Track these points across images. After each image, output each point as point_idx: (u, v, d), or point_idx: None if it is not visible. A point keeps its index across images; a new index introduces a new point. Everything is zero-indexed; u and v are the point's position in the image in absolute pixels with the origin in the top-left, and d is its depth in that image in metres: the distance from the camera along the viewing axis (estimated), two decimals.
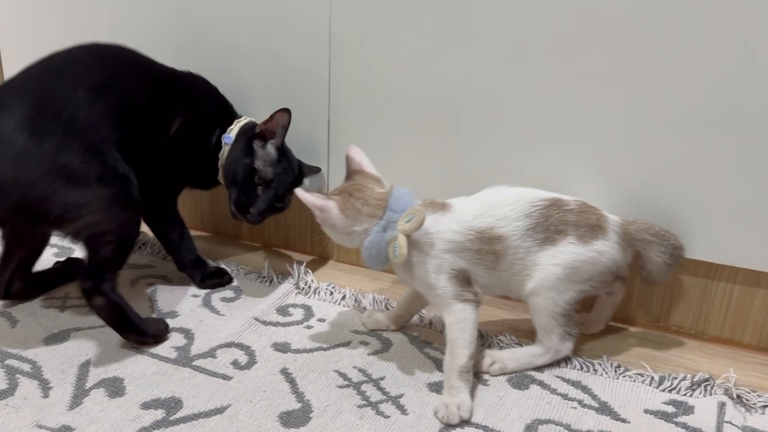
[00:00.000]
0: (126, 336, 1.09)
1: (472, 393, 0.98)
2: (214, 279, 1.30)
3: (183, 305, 1.23)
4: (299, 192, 0.99)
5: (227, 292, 1.29)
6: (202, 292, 1.28)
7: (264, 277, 1.34)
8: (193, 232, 1.35)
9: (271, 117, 1.24)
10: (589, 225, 1.01)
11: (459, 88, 1.20)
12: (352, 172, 1.07)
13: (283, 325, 1.18)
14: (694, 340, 1.17)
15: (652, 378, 1.03)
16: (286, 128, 1.25)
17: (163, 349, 1.09)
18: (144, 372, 1.03)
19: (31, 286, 1.23)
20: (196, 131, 1.27)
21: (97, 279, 1.07)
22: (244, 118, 1.32)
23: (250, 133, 1.26)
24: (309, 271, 1.35)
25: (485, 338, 1.13)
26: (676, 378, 1.03)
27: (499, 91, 1.17)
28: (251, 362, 1.06)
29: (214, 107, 1.31)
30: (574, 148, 1.15)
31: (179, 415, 0.94)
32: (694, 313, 1.17)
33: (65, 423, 0.92)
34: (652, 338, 1.17)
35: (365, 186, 1.02)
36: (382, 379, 1.03)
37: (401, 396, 0.99)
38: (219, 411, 0.95)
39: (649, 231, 1.05)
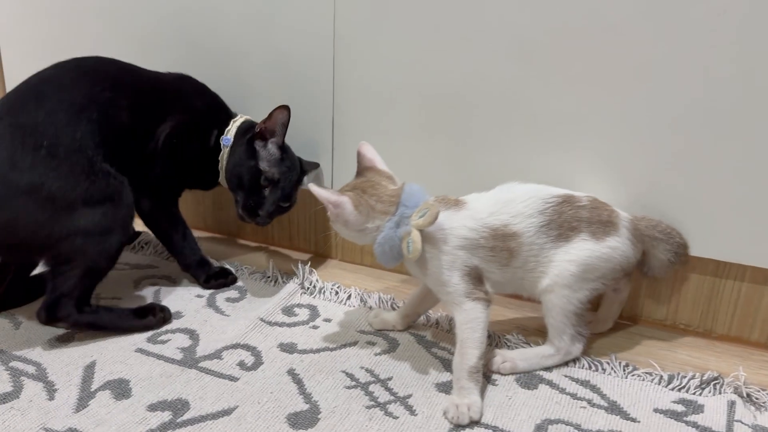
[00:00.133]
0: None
1: (481, 393, 0.97)
2: (219, 279, 1.29)
3: (187, 305, 1.22)
4: (313, 187, 0.98)
5: (232, 293, 1.28)
6: (207, 292, 1.28)
7: (268, 277, 1.33)
8: (196, 233, 1.34)
9: (270, 115, 1.22)
10: (602, 221, 1.00)
11: (464, 86, 1.19)
12: (363, 168, 1.06)
13: (289, 325, 1.17)
14: (702, 338, 1.16)
15: (661, 377, 1.03)
16: (286, 125, 1.24)
17: (169, 350, 1.08)
18: (150, 373, 1.02)
19: (29, 292, 1.21)
20: (190, 133, 1.25)
21: (51, 311, 1.07)
22: (239, 116, 1.30)
23: (249, 134, 1.25)
24: (314, 270, 1.34)
25: (493, 338, 1.13)
26: (685, 377, 1.02)
27: (505, 90, 1.17)
28: (258, 363, 1.06)
29: (206, 107, 1.29)
30: (580, 146, 1.14)
31: (186, 417, 0.93)
32: (702, 311, 1.16)
33: (71, 426, 0.91)
34: (659, 336, 1.16)
35: (378, 183, 1.02)
36: (389, 379, 1.02)
37: (409, 396, 0.98)
38: (226, 413, 0.94)
39: (657, 228, 1.04)
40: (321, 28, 1.27)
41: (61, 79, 1.14)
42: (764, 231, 1.06)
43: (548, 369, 1.04)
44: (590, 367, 1.05)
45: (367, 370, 1.04)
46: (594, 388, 1.01)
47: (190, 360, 1.06)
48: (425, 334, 1.15)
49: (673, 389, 1.01)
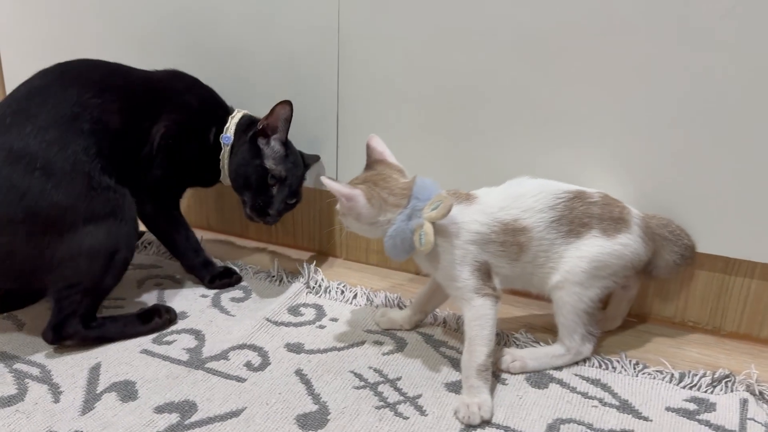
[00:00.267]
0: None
1: (491, 392, 0.96)
2: (224, 279, 1.28)
3: (192, 306, 1.21)
4: (326, 181, 0.96)
5: (236, 292, 1.27)
6: (211, 292, 1.26)
7: (273, 277, 1.32)
8: (199, 232, 1.33)
9: (272, 111, 1.20)
10: (613, 218, 0.99)
11: (470, 82, 1.18)
12: (373, 161, 1.05)
13: (295, 325, 1.16)
14: (711, 335, 1.16)
15: (672, 375, 1.02)
16: (288, 121, 1.22)
17: (174, 350, 1.07)
18: (156, 375, 1.01)
19: (32, 293, 1.20)
20: (187, 132, 1.21)
21: (58, 332, 1.05)
22: (236, 111, 1.28)
23: (251, 131, 1.23)
24: (319, 269, 1.33)
25: (501, 336, 1.12)
26: (696, 375, 1.01)
27: (511, 86, 1.16)
28: (265, 363, 1.04)
29: (201, 103, 1.25)
30: (587, 143, 1.14)
31: (194, 419, 0.92)
32: (711, 308, 1.15)
33: (78, 428, 0.90)
34: (668, 334, 1.16)
35: (389, 176, 1.00)
36: (398, 379, 1.01)
37: (419, 397, 0.97)
38: (234, 414, 0.93)
39: (667, 228, 1.04)
40: (325, 23, 1.26)
41: (46, 90, 1.09)
42: None
43: (558, 368, 1.04)
44: (600, 366, 1.04)
45: (375, 370, 1.03)
46: (605, 387, 1.00)
47: (196, 361, 1.05)
48: (433, 333, 1.14)
49: (684, 387, 1.00)
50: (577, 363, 1.05)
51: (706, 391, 0.99)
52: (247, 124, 1.25)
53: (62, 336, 1.05)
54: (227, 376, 1.01)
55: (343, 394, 0.97)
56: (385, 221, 0.98)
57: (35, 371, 1.02)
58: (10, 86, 1.50)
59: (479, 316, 0.96)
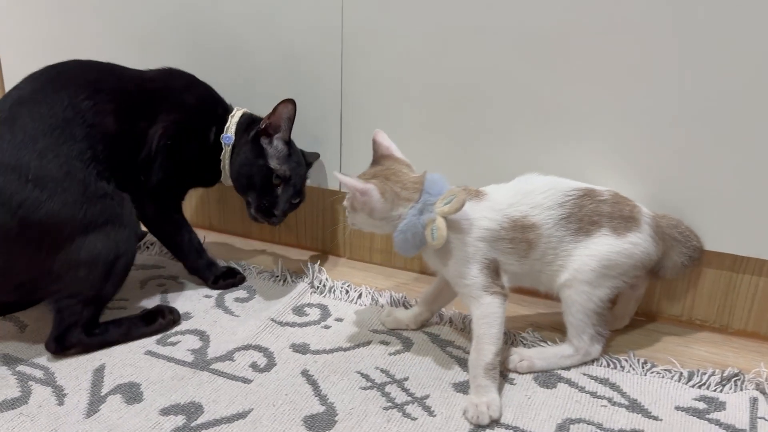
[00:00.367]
0: None
1: (499, 392, 0.95)
2: (227, 279, 1.27)
3: (196, 306, 1.20)
4: (340, 176, 0.95)
5: (240, 293, 1.26)
6: (215, 292, 1.25)
7: (277, 277, 1.31)
8: (201, 232, 1.32)
9: (274, 110, 1.19)
10: (623, 216, 0.99)
11: (474, 80, 1.18)
12: (380, 156, 1.04)
13: (301, 325, 1.15)
14: (719, 333, 1.15)
15: (681, 374, 1.01)
16: (292, 120, 1.20)
17: (179, 351, 1.06)
18: (161, 376, 1.00)
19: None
20: (187, 132, 1.18)
21: (61, 342, 1.03)
22: (236, 109, 1.25)
23: (252, 129, 1.21)
24: (323, 269, 1.32)
25: (508, 335, 1.11)
26: (705, 373, 1.01)
27: (516, 84, 1.15)
28: (270, 364, 1.04)
29: (199, 102, 1.22)
30: (594, 141, 1.13)
31: (200, 421, 0.91)
32: (719, 306, 1.15)
33: (83, 431, 0.89)
34: (675, 333, 1.15)
35: (399, 170, 1.00)
36: (405, 379, 1.00)
37: (427, 397, 0.97)
38: (241, 416, 0.92)
39: (677, 228, 1.04)
40: (329, 21, 1.25)
41: (36, 96, 1.05)
42: None
43: (566, 368, 1.03)
44: (608, 365, 1.04)
45: (382, 370, 1.02)
46: (614, 386, 0.99)
47: (201, 362, 1.04)
48: (439, 332, 1.13)
49: (693, 386, 0.99)
50: (585, 363, 1.04)
51: (715, 390, 0.98)
52: (248, 123, 1.23)
53: (66, 346, 1.03)
54: (233, 378, 1.00)
55: (351, 394, 0.97)
56: (396, 216, 0.97)
57: (38, 373, 1.01)
58: (10, 86, 1.48)
59: (487, 314, 0.95)
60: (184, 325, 1.14)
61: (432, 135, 1.24)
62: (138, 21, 1.43)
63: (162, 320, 1.12)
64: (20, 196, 0.96)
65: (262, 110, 1.24)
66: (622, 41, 1.06)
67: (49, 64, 1.14)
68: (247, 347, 1.08)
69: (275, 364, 1.04)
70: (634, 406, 0.95)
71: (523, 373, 1.01)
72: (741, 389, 0.98)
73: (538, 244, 0.97)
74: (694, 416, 0.93)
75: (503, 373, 1.01)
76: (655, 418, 0.92)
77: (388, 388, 0.98)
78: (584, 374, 1.02)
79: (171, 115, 1.17)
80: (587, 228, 0.97)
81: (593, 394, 0.97)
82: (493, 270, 0.96)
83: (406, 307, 1.19)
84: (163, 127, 1.15)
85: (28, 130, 1.01)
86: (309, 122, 1.31)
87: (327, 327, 1.15)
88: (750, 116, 1.02)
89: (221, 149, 1.23)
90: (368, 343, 1.10)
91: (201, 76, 1.27)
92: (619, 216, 0.98)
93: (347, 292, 1.26)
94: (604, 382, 1.00)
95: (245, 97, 1.31)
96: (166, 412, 0.93)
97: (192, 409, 0.93)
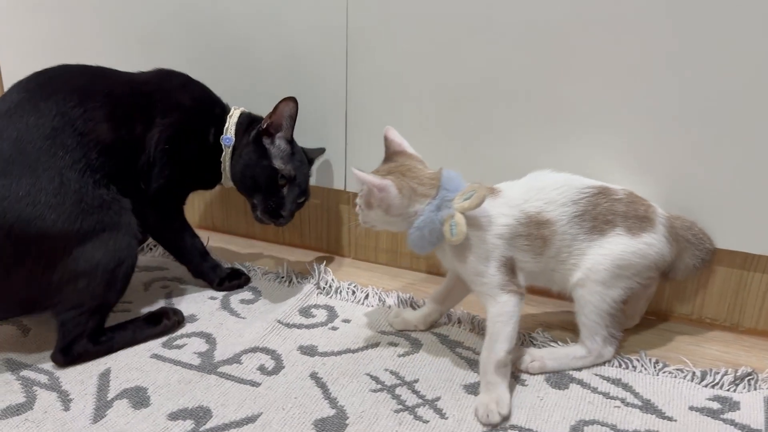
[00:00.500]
0: None
1: (511, 391, 0.95)
2: (233, 281, 1.25)
3: (201, 308, 1.19)
4: (357, 171, 0.94)
5: (246, 294, 1.24)
6: (220, 294, 1.24)
7: (282, 278, 1.30)
8: (204, 233, 1.30)
9: (275, 109, 1.16)
10: (638, 216, 0.98)
11: (482, 78, 1.16)
12: (392, 153, 1.02)
13: (308, 327, 1.14)
14: (729, 332, 1.14)
15: (694, 373, 1.00)
16: (293, 118, 1.18)
17: (186, 355, 1.05)
18: (167, 380, 0.99)
19: None
20: (185, 134, 1.15)
21: (67, 354, 1.01)
22: (233, 109, 1.23)
23: (253, 129, 1.19)
24: (329, 270, 1.31)
25: (519, 336, 1.09)
26: (718, 373, 1.00)
27: (523, 81, 1.14)
28: (278, 367, 1.02)
29: (195, 102, 1.18)
30: (603, 139, 1.12)
31: (209, 425, 0.90)
32: (729, 304, 1.14)
33: None
34: (686, 332, 1.14)
35: (413, 166, 0.98)
36: (416, 381, 0.99)
37: (438, 399, 0.95)
38: (251, 420, 0.91)
39: (691, 230, 1.03)
40: (334, 20, 1.23)
41: (23, 106, 1.01)
42: None
43: (578, 369, 1.02)
44: (620, 365, 1.03)
45: (391, 372, 1.01)
46: (626, 387, 0.98)
47: (208, 365, 1.02)
48: (448, 333, 1.12)
49: (706, 386, 0.98)
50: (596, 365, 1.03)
51: (728, 390, 0.97)
52: (248, 122, 1.21)
53: (73, 357, 1.02)
54: (241, 381, 0.99)
55: (361, 397, 0.95)
56: (412, 212, 0.95)
57: (43, 378, 0.99)
58: (9, 86, 1.47)
59: (503, 312, 0.94)
60: (189, 328, 1.12)
61: (438, 133, 1.23)
62: (138, 20, 1.41)
63: (167, 322, 1.11)
64: (12, 214, 0.94)
65: (267, 110, 1.22)
66: (631, 36, 1.05)
67: (54, 63, 1.12)
68: (254, 350, 1.07)
69: (283, 367, 1.02)
70: (648, 407, 0.94)
71: (534, 374, 1.00)
72: (755, 389, 0.97)
73: (552, 241, 0.96)
74: (708, 416, 0.92)
75: (514, 374, 1.00)
76: (670, 419, 0.92)
77: (398, 391, 0.97)
78: (596, 375, 1.01)
79: (167, 118, 1.13)
80: (601, 227, 0.96)
81: (606, 395, 0.96)
82: (510, 268, 0.95)
83: (413, 308, 1.17)
84: (160, 132, 1.12)
85: (17, 142, 0.98)
86: (314, 122, 1.30)
87: (334, 328, 1.13)
88: (760, 113, 1.01)
89: (221, 150, 1.20)
90: (377, 344, 1.08)
91: (204, 76, 1.25)
92: (634, 216, 0.97)
93: (354, 292, 1.24)
94: (616, 382, 0.99)
95: (248, 97, 1.30)
96: (174, 416, 0.91)
97: (200, 414, 0.92)
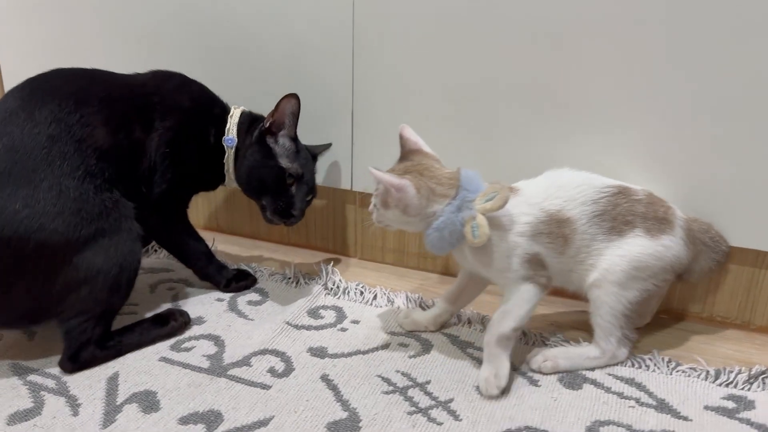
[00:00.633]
0: None
1: (523, 395, 0.94)
2: (240, 282, 1.24)
3: (208, 310, 1.18)
4: (374, 171, 0.92)
5: (253, 296, 1.23)
6: (227, 295, 1.23)
7: (289, 278, 1.28)
8: (208, 234, 1.29)
9: (276, 106, 1.14)
10: (657, 218, 0.97)
11: (490, 75, 1.15)
12: (408, 151, 1.01)
13: (317, 328, 1.13)
14: (741, 330, 1.14)
15: (707, 372, 1.00)
16: (295, 115, 1.16)
17: (194, 357, 1.04)
18: (177, 384, 0.98)
19: None
20: (185, 137, 1.13)
21: (75, 361, 1.00)
22: (234, 108, 1.21)
23: (255, 129, 1.17)
24: (336, 270, 1.30)
25: (528, 336, 1.09)
26: (732, 371, 0.99)
27: (533, 78, 1.13)
28: (289, 369, 1.01)
29: (194, 103, 1.16)
30: (613, 137, 1.11)
31: (221, 429, 0.88)
32: (740, 302, 1.13)
33: None
34: (697, 330, 1.13)
35: (431, 166, 0.97)
36: (428, 383, 0.98)
37: (451, 401, 0.94)
38: (263, 423, 0.90)
39: (708, 233, 1.03)
40: (339, 17, 1.22)
41: (18, 115, 0.98)
42: None
43: (590, 369, 1.01)
44: (633, 365, 1.02)
45: (403, 373, 1.00)
46: (640, 386, 0.97)
47: (218, 368, 1.01)
48: (458, 333, 1.11)
49: (720, 385, 0.98)
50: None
51: (743, 389, 0.97)
52: (249, 122, 1.19)
53: (81, 364, 1.00)
54: (251, 384, 0.98)
55: (373, 399, 0.94)
56: (431, 213, 0.94)
57: (50, 383, 0.98)
58: (10, 87, 1.45)
59: (521, 297, 0.95)
60: (197, 330, 1.11)
61: (447, 132, 1.21)
62: (140, 19, 1.39)
63: (174, 323, 1.09)
64: (10, 228, 0.92)
65: (271, 109, 1.21)
66: (644, 34, 1.04)
67: (54, 63, 1.10)
68: (263, 352, 1.05)
69: (293, 369, 1.01)
70: (663, 407, 0.93)
71: (547, 374, 1.00)
72: None
73: (573, 240, 0.95)
74: (724, 416, 0.91)
75: (528, 375, 0.99)
76: (685, 419, 0.91)
77: (410, 392, 0.96)
78: (609, 375, 1.00)
79: (166, 121, 1.11)
80: (620, 227, 0.95)
81: (620, 395, 0.95)
82: (536, 262, 0.95)
83: (422, 308, 1.16)
84: (160, 135, 1.10)
85: (12, 154, 0.95)
86: (319, 121, 1.29)
87: (343, 330, 1.12)
88: None
89: (222, 151, 1.18)
90: (387, 345, 1.08)
91: (206, 75, 1.23)
92: (653, 217, 0.97)
93: (362, 293, 1.23)
94: (630, 382, 0.98)
95: (252, 96, 1.28)
96: (185, 420, 0.90)
97: (212, 418, 0.91)
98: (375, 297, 1.22)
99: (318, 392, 0.96)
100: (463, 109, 1.19)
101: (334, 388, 0.97)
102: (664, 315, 1.17)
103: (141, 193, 1.10)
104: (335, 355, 1.05)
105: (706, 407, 0.93)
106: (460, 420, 0.91)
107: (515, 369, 1.00)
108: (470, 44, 1.15)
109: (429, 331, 1.11)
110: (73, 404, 0.93)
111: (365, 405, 0.93)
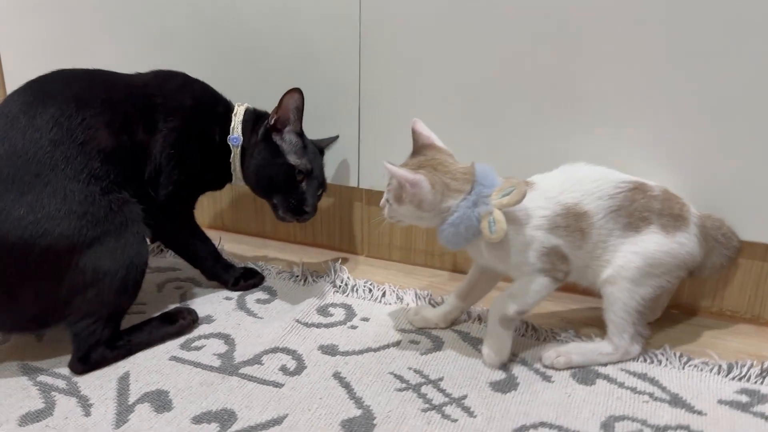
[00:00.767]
0: None
1: (536, 390, 0.95)
2: (248, 280, 1.24)
3: (217, 309, 1.17)
4: (388, 165, 0.91)
5: (261, 294, 1.23)
6: (235, 294, 1.22)
7: (297, 276, 1.28)
8: (215, 233, 1.28)
9: (280, 102, 1.13)
10: (673, 215, 0.97)
11: (499, 71, 1.15)
12: (420, 146, 1.00)
13: (327, 326, 1.12)
14: (750, 324, 1.14)
15: (720, 366, 1.00)
16: (300, 110, 1.15)
17: (205, 356, 1.03)
18: (189, 383, 0.97)
19: None
20: (189, 137, 1.12)
21: (85, 362, 0.99)
22: (238, 106, 1.19)
23: (260, 127, 1.16)
24: (344, 268, 1.29)
25: (539, 332, 1.09)
26: (744, 365, 0.99)
27: (542, 74, 1.12)
28: (300, 367, 1.01)
29: (196, 102, 1.15)
30: (624, 133, 1.11)
31: (235, 428, 0.88)
32: (750, 296, 1.13)
33: None
34: (707, 325, 1.13)
35: (445, 160, 0.96)
36: (440, 380, 0.98)
37: (465, 397, 0.94)
38: (277, 422, 0.89)
39: (720, 230, 1.03)
40: (346, 11, 1.21)
41: (17, 119, 0.97)
42: None
43: (603, 364, 1.01)
44: (645, 360, 1.02)
45: (415, 371, 1.00)
46: (653, 381, 0.97)
47: (229, 367, 1.01)
48: (469, 330, 1.11)
49: (733, 379, 0.98)
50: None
51: (755, 383, 0.97)
52: (254, 120, 1.18)
53: (91, 365, 1.00)
54: (264, 382, 0.97)
55: (386, 397, 0.94)
56: (445, 208, 0.93)
57: (61, 383, 0.97)
58: (10, 87, 1.44)
59: (531, 286, 0.95)
60: (207, 329, 1.11)
61: (456, 128, 1.21)
62: (142, 17, 1.39)
63: (182, 321, 1.09)
64: (15, 234, 0.91)
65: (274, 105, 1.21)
66: (655, 30, 1.04)
67: (55, 64, 1.09)
68: (274, 350, 1.05)
69: (305, 367, 1.01)
70: (677, 401, 0.93)
71: (560, 369, 0.99)
72: None
73: (590, 235, 0.95)
74: (738, 410, 0.91)
75: (541, 372, 0.99)
76: (699, 413, 0.91)
77: (424, 389, 0.96)
78: (622, 370, 1.00)
79: (169, 121, 1.10)
80: (637, 224, 0.95)
81: (634, 390, 0.95)
82: (556, 255, 0.94)
83: (432, 305, 1.16)
84: (164, 137, 1.09)
85: (16, 159, 0.94)
86: (326, 117, 1.28)
87: (354, 327, 1.12)
88: None
89: (228, 150, 1.17)
90: (398, 342, 1.07)
91: (211, 72, 1.22)
92: (669, 214, 0.96)
93: (370, 291, 1.23)
94: (642, 377, 0.98)
95: (257, 92, 1.27)
96: (198, 420, 0.90)
97: (225, 416, 0.90)
98: (384, 294, 1.22)
99: (331, 390, 0.96)
100: (472, 106, 1.19)
101: (346, 386, 0.96)
102: (675, 310, 1.17)
103: (147, 196, 1.09)
104: (346, 353, 1.04)
105: (720, 401, 0.93)
106: (475, 416, 0.90)
107: (527, 364, 1.00)
108: (480, 38, 1.14)
109: (439, 328, 1.11)
110: (85, 404, 0.93)
111: (379, 402, 0.93)
